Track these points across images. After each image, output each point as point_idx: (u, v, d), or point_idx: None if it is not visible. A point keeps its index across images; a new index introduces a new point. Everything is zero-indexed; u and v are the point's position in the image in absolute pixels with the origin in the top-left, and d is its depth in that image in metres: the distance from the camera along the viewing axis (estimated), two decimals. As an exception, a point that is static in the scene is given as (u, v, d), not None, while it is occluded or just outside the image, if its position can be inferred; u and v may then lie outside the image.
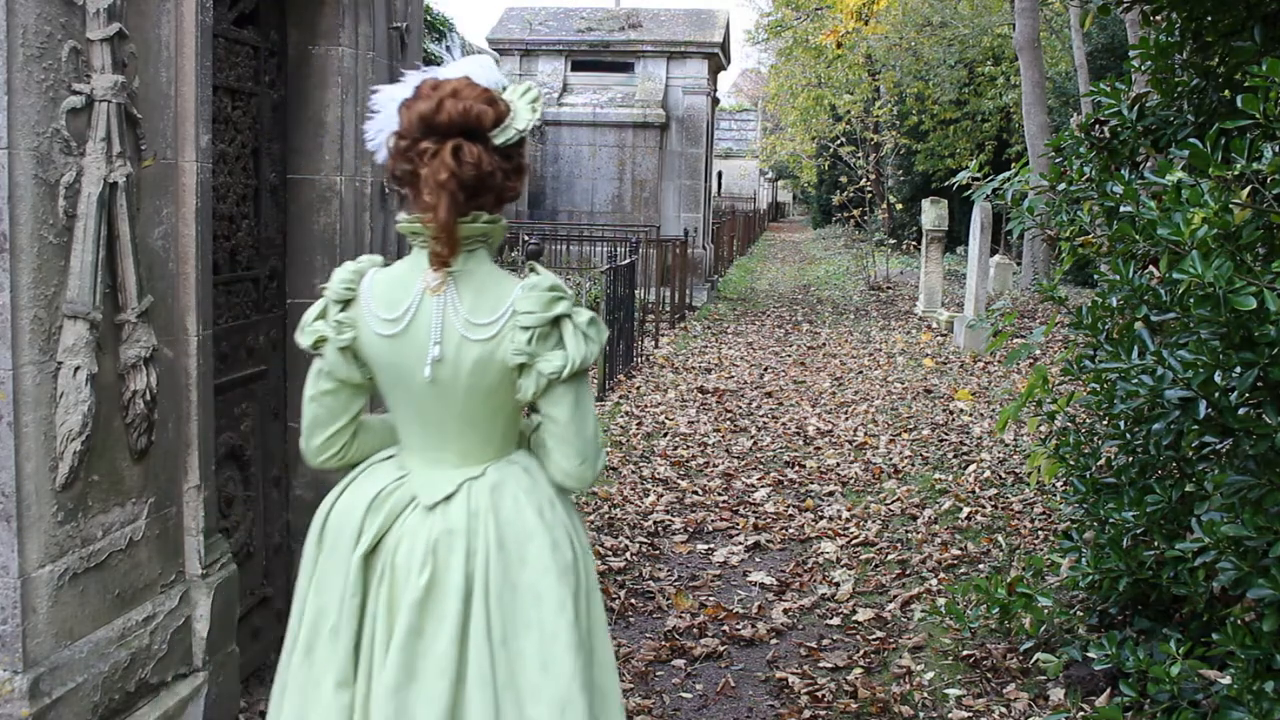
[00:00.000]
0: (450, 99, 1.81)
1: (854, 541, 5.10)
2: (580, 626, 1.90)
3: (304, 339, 1.96)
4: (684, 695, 3.54)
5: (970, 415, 7.84)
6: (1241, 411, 2.66)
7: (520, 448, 2.01)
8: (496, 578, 1.86)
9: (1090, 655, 3.13)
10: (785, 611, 4.24)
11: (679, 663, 3.76)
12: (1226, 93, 3.56)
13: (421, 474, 1.94)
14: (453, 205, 1.79)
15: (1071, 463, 3.71)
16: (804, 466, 6.47)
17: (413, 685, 1.82)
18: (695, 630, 4.06)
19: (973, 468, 6.31)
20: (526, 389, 1.87)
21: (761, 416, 7.85)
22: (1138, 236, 2.82)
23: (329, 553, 1.95)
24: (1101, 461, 3.70)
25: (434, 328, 1.85)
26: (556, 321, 1.85)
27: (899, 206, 23.24)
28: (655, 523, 5.31)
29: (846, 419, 7.80)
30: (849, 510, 5.58)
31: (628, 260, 9.34)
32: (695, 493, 5.85)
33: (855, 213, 20.62)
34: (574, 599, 1.89)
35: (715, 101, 18.70)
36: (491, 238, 1.91)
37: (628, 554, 4.84)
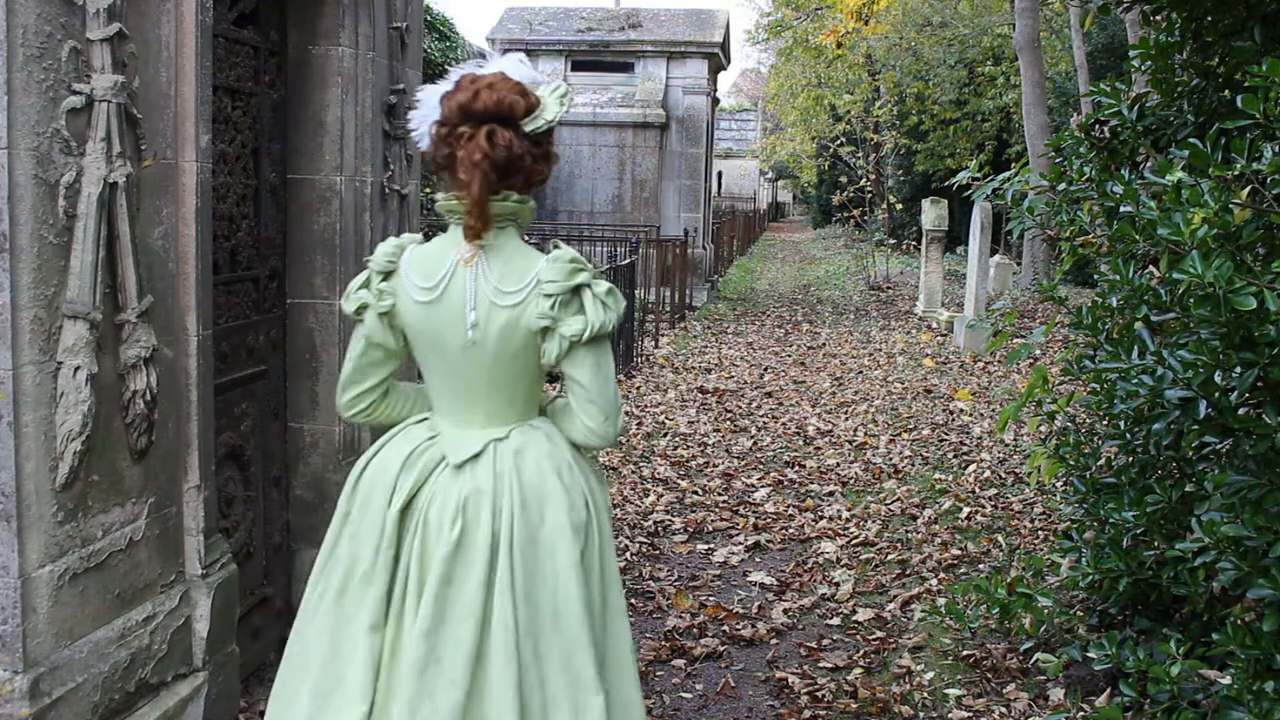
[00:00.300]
0: (486, 89, 2.01)
1: (854, 541, 5.09)
2: (592, 580, 2.09)
3: (348, 305, 2.18)
4: (684, 695, 3.54)
5: (970, 415, 7.84)
6: (1241, 411, 2.66)
7: (540, 415, 2.19)
8: (520, 534, 2.03)
9: (1090, 655, 3.12)
10: (785, 611, 4.24)
11: (679, 663, 3.76)
12: (1226, 93, 3.56)
13: (450, 435, 2.11)
14: (485, 183, 1.98)
15: (1071, 463, 3.71)
16: (804, 466, 6.47)
17: (442, 629, 1.99)
18: (695, 630, 4.06)
19: (973, 468, 6.31)
20: (550, 352, 2.04)
21: (761, 416, 7.85)
22: (1138, 236, 2.82)
23: (362, 507, 2.11)
24: (1101, 461, 3.70)
25: (468, 295, 2.04)
26: (577, 290, 2.03)
27: (899, 206, 23.23)
28: (655, 523, 5.31)
29: (846, 419, 7.80)
30: (849, 510, 5.58)
31: (628, 260, 9.34)
32: (695, 493, 5.85)
33: (855, 213, 20.61)
34: (584, 556, 2.08)
35: (715, 101, 18.69)
36: (520, 217, 2.10)
37: (628, 554, 4.85)
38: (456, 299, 2.04)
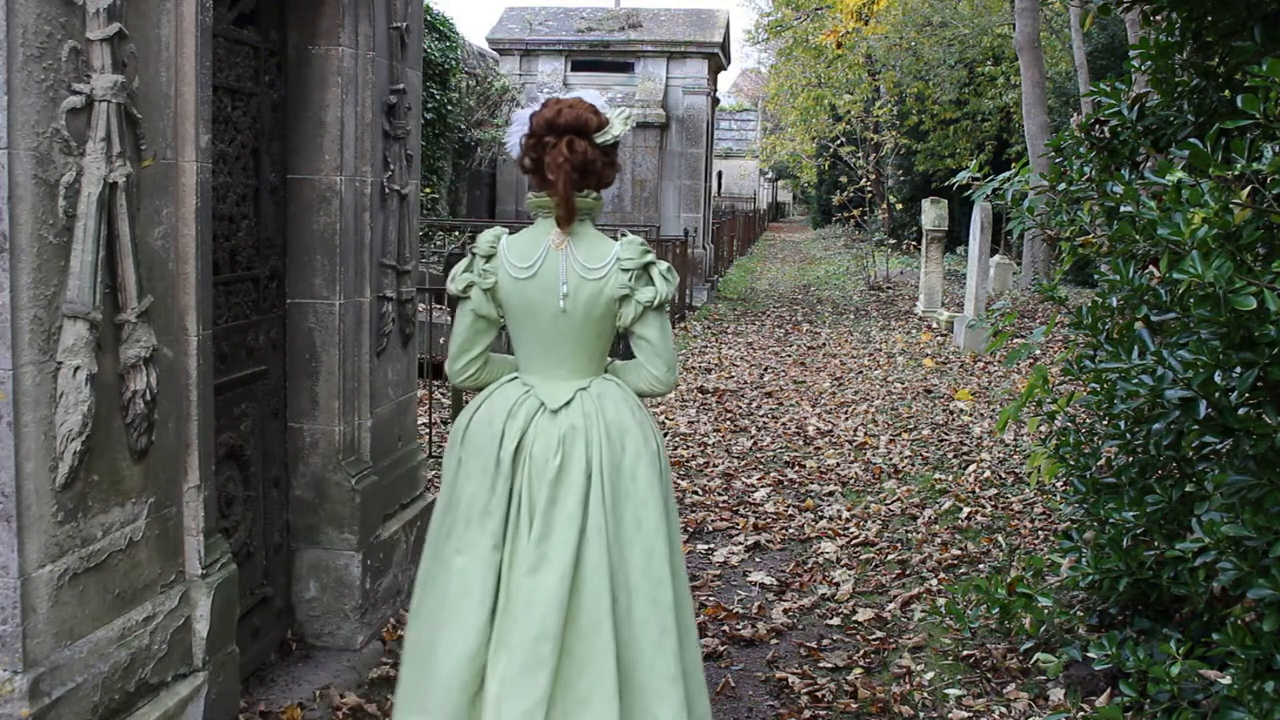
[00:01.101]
0: (568, 108, 2.55)
1: (854, 541, 5.10)
2: (661, 495, 2.59)
3: (455, 286, 2.62)
4: (684, 695, 3.54)
5: (970, 415, 7.84)
6: (1241, 411, 2.66)
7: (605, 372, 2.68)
8: (606, 461, 2.52)
9: (1090, 655, 3.12)
10: (785, 611, 4.24)
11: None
12: (1227, 92, 3.56)
13: (543, 387, 2.58)
14: (568, 181, 2.50)
15: (1071, 463, 3.71)
16: (804, 466, 6.47)
17: (550, 537, 2.47)
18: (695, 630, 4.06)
19: (973, 468, 6.31)
20: (626, 315, 2.56)
21: (761, 416, 7.85)
22: (1138, 236, 2.82)
23: (474, 453, 2.57)
24: (1101, 461, 3.70)
25: (561, 272, 2.53)
26: (646, 267, 2.56)
27: (899, 206, 23.23)
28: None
29: (846, 419, 7.80)
30: (849, 510, 5.58)
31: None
32: (695, 492, 5.85)
33: (855, 213, 20.61)
34: (657, 476, 2.59)
35: (715, 101, 18.68)
36: (594, 211, 2.62)
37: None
38: (550, 276, 2.53)
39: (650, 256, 2.57)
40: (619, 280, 2.54)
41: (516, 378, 2.64)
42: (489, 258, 2.59)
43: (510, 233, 2.64)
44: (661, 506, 2.57)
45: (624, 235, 2.63)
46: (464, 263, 2.64)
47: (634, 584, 2.52)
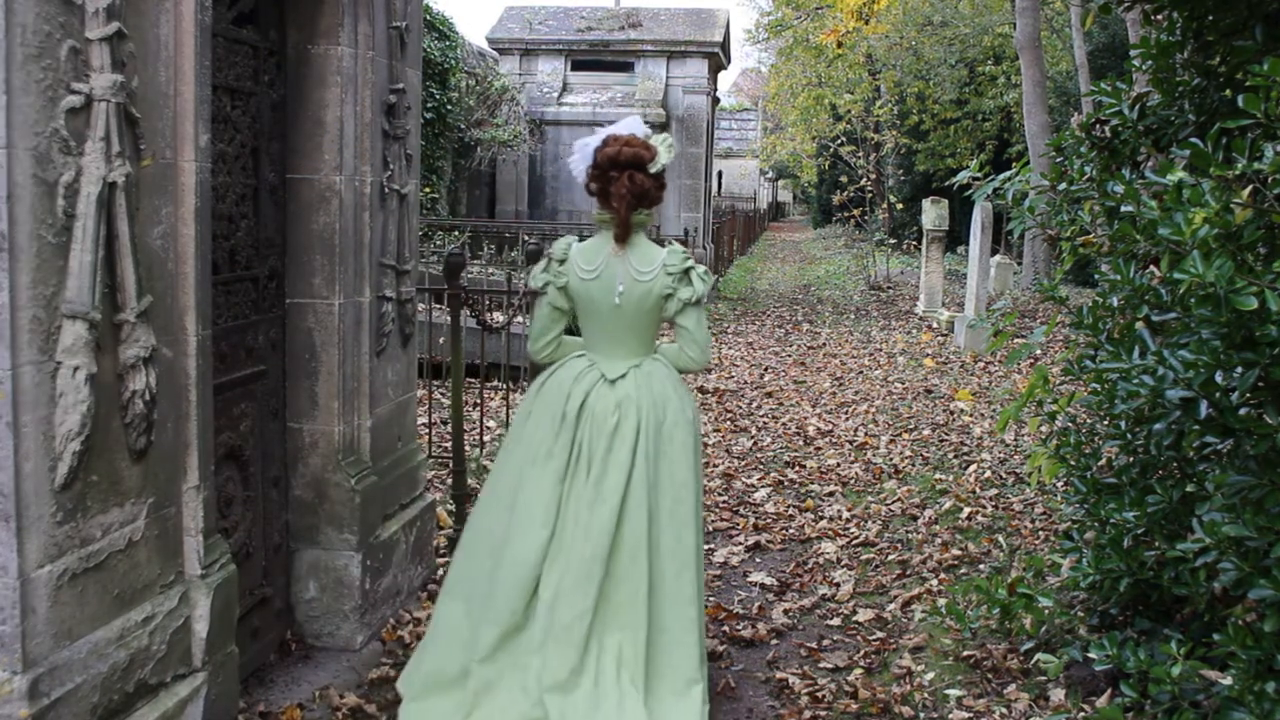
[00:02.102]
0: (626, 147, 3.17)
1: (854, 542, 5.09)
2: (693, 456, 3.23)
3: (535, 283, 3.28)
4: (684, 696, 3.53)
5: (971, 415, 7.83)
6: (1242, 412, 2.65)
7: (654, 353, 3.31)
8: (652, 422, 3.16)
9: (1091, 656, 3.12)
10: (785, 612, 4.24)
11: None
12: (1228, 92, 3.55)
13: (604, 363, 3.23)
14: (628, 207, 3.16)
15: (1072, 463, 3.70)
16: (804, 466, 6.46)
17: (605, 480, 3.10)
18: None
19: (973, 468, 6.31)
20: (670, 309, 3.20)
21: (761, 416, 7.85)
22: (1139, 236, 2.82)
23: (543, 407, 3.21)
24: (1102, 462, 3.69)
25: (618, 276, 3.17)
26: (686, 271, 3.18)
27: (899, 206, 23.20)
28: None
29: (847, 419, 7.80)
30: (849, 510, 5.57)
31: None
32: (695, 493, 5.85)
33: (855, 212, 20.60)
34: (691, 440, 3.23)
35: (715, 101, 18.68)
36: (646, 224, 3.25)
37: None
38: (609, 277, 3.18)
39: (690, 262, 3.20)
40: (665, 281, 3.17)
41: (584, 354, 3.28)
42: (562, 261, 3.23)
43: (578, 239, 3.33)
44: (691, 465, 3.22)
45: (669, 243, 3.37)
46: (542, 264, 3.28)
47: (663, 524, 3.14)
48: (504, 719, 2.99)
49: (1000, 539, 5.03)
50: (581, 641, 3.04)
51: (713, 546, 5.03)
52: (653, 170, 3.19)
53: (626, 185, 3.15)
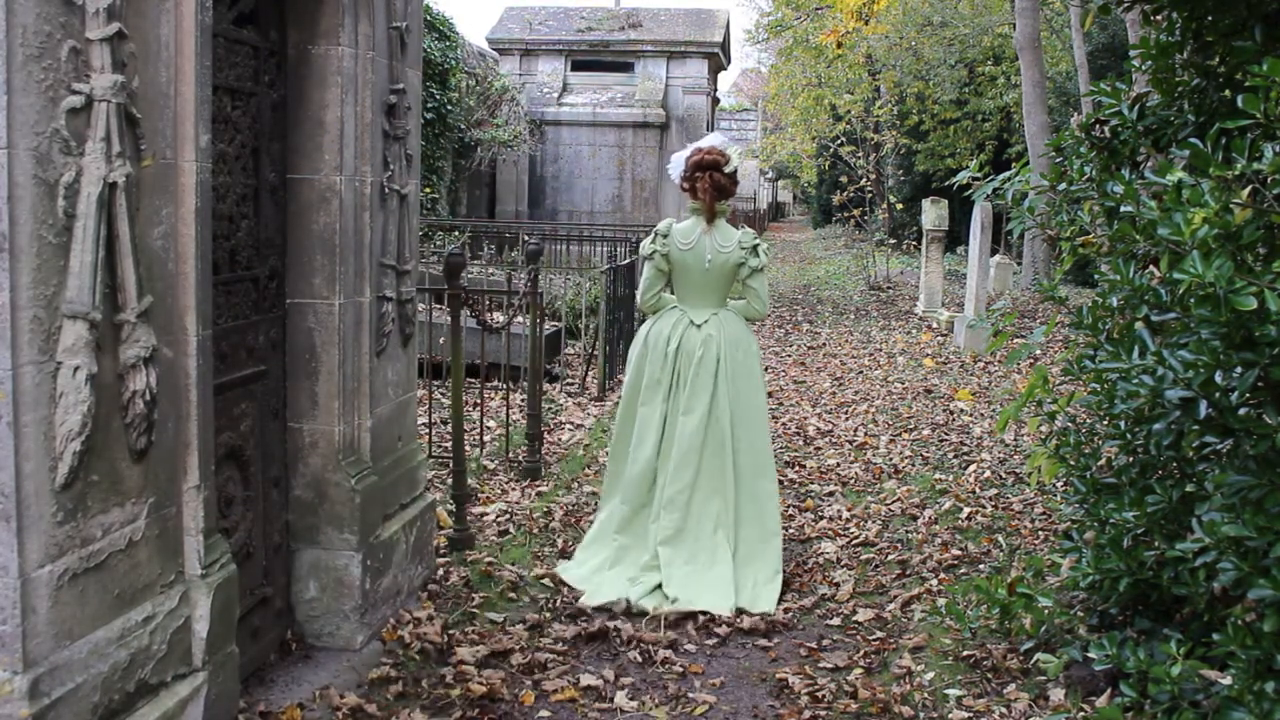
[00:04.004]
0: (707, 155, 4.51)
1: (854, 541, 5.09)
2: (759, 380, 4.58)
3: (644, 250, 4.55)
4: (689, 696, 3.53)
5: (970, 415, 7.83)
6: (1242, 411, 2.66)
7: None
8: (730, 355, 4.47)
9: (1091, 655, 3.12)
10: (785, 611, 4.24)
11: (680, 663, 3.76)
12: (1227, 92, 3.55)
13: (692, 311, 4.55)
14: (713, 199, 4.49)
15: (1072, 463, 3.71)
16: (804, 466, 6.46)
17: (696, 397, 4.42)
18: (696, 629, 4.05)
19: (973, 468, 6.31)
20: (742, 273, 4.50)
21: (761, 416, 7.84)
22: (1138, 236, 2.82)
23: (651, 347, 4.54)
24: (1102, 462, 3.69)
25: (707, 247, 4.47)
26: (754, 247, 4.49)
27: (899, 206, 23.17)
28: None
29: (847, 419, 7.80)
30: (849, 510, 5.57)
31: (628, 260, 9.33)
32: (695, 493, 5.84)
33: (855, 213, 20.57)
34: (758, 368, 4.58)
35: (715, 101, 18.69)
36: (725, 212, 4.57)
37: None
38: (700, 249, 4.48)
39: (758, 241, 4.54)
40: (740, 254, 4.49)
41: (676, 306, 4.59)
42: (665, 236, 4.50)
43: (676, 221, 4.63)
44: (758, 385, 4.57)
45: (744, 229, 4.63)
46: (650, 238, 4.55)
47: (740, 425, 4.46)
48: (632, 565, 4.35)
49: (1000, 539, 5.03)
50: (684, 508, 4.38)
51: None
52: (727, 170, 4.49)
53: (710, 182, 4.46)
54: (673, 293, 4.60)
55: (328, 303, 3.44)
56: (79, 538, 2.27)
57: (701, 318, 4.47)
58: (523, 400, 7.48)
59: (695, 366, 4.38)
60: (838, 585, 4.52)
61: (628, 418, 4.57)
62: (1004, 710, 3.36)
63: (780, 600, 4.29)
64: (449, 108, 14.23)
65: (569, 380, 8.71)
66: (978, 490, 5.86)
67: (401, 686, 3.39)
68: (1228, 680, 2.65)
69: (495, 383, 8.06)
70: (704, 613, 4.09)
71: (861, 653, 3.86)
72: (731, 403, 4.39)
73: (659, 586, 4.23)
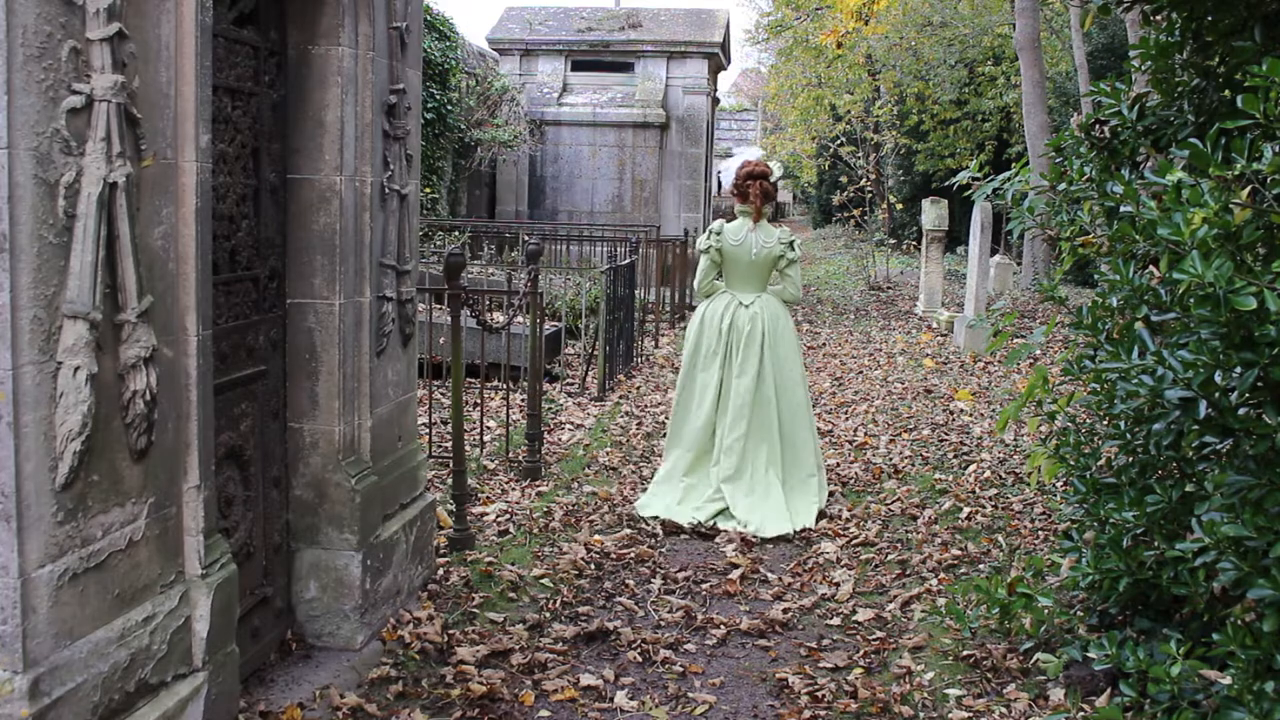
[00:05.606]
0: (755, 167, 5.68)
1: (854, 541, 5.09)
2: (798, 351, 5.73)
3: (701, 245, 5.64)
4: (689, 695, 3.53)
5: (970, 415, 7.83)
6: (1242, 411, 2.66)
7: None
8: (772, 331, 5.58)
9: (1090, 655, 3.12)
10: (785, 611, 4.24)
11: (680, 663, 3.76)
12: (1227, 92, 3.56)
13: (740, 295, 5.64)
14: (760, 203, 5.64)
15: (1072, 463, 3.71)
16: (804, 466, 6.46)
17: (746, 362, 5.54)
18: (696, 630, 4.05)
19: (973, 468, 6.31)
20: (781, 264, 5.62)
21: (761, 416, 7.84)
22: (1138, 236, 2.82)
23: (707, 324, 5.63)
24: (1101, 461, 3.69)
25: (754, 243, 5.56)
26: (791, 243, 5.62)
27: (899, 206, 23.18)
28: (655, 520, 5.31)
29: (846, 419, 7.81)
30: (849, 510, 5.58)
31: (628, 260, 9.33)
32: (695, 493, 5.84)
33: (855, 213, 20.57)
34: (796, 341, 5.74)
35: (715, 101, 18.68)
36: (768, 214, 5.72)
37: (629, 554, 4.84)
38: (748, 244, 5.54)
39: (794, 238, 5.66)
40: (779, 248, 5.56)
41: (726, 291, 5.66)
42: (719, 234, 5.54)
43: (726, 221, 5.65)
44: (798, 357, 5.68)
45: (781, 228, 5.70)
46: (705, 235, 5.61)
47: (783, 385, 5.54)
48: (699, 499, 5.42)
49: (1000, 539, 5.03)
50: (741, 452, 5.46)
51: (714, 546, 5.03)
52: (771, 180, 5.70)
53: (758, 189, 5.58)
54: (720, 279, 5.64)
55: (328, 303, 3.44)
56: (79, 538, 2.27)
57: (749, 300, 5.58)
58: (523, 400, 7.48)
59: (745, 339, 5.50)
60: (838, 585, 4.52)
61: (688, 383, 5.65)
62: (1004, 710, 3.36)
63: (817, 519, 5.42)
64: (449, 108, 14.23)
65: (569, 380, 8.71)
66: (978, 490, 5.86)
67: (401, 686, 3.39)
68: (1227, 680, 2.65)
69: (495, 383, 8.06)
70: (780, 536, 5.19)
71: (861, 652, 3.86)
72: (775, 368, 5.49)
73: (722, 512, 5.36)
